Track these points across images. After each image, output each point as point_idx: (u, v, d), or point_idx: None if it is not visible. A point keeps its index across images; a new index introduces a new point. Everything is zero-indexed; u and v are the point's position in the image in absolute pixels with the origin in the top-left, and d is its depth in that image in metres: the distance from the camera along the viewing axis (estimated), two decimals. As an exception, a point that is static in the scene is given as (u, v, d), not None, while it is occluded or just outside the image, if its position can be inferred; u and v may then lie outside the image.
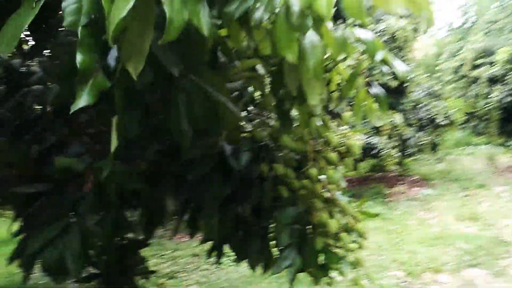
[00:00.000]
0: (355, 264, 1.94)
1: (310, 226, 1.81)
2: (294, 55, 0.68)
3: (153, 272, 2.08)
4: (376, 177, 12.82)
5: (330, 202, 1.83)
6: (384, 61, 1.13)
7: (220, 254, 1.89)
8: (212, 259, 1.85)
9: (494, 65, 15.87)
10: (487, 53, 18.71)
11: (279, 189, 1.64)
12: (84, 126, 1.60)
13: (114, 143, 0.81)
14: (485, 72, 15.85)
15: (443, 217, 8.40)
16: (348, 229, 1.83)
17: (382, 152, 9.91)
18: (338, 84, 1.33)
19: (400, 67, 1.15)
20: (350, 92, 1.24)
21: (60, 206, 1.39)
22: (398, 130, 10.70)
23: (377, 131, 10.09)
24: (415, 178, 12.45)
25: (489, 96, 15.16)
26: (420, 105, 11.75)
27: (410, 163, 13.52)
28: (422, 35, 15.00)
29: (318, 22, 0.80)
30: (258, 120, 1.68)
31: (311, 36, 0.75)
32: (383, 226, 7.99)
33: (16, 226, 1.52)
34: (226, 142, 1.50)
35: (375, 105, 1.30)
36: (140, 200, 1.79)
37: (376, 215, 2.11)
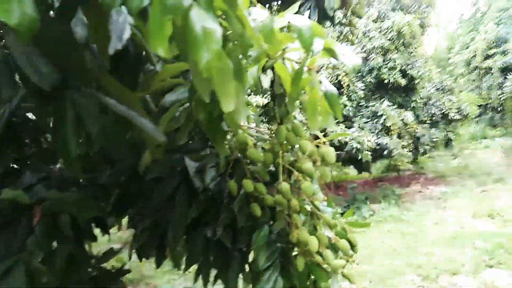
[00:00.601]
0: (349, 280, 1.81)
1: (291, 245, 1.68)
2: (163, 47, 0.52)
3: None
4: (390, 178, 12.54)
5: (312, 216, 1.70)
6: (327, 52, 0.96)
7: (206, 279, 1.75)
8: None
9: (507, 54, 15.46)
10: (500, 42, 18.28)
11: (252, 207, 1.52)
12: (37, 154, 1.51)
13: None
14: (498, 62, 15.43)
15: (460, 216, 8.12)
16: (333, 245, 1.69)
17: (394, 152, 9.66)
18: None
19: (349, 58, 0.98)
20: (297, 93, 1.06)
21: (10, 243, 1.29)
22: (409, 128, 10.44)
23: (386, 131, 9.86)
24: (430, 176, 12.13)
25: (503, 86, 14.76)
26: (432, 101, 11.47)
27: (425, 161, 13.21)
28: (430, 30, 14.69)
29: (231, 3, 0.65)
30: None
31: (202, 21, 0.58)
32: (398, 229, 7.76)
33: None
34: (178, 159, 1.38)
35: (328, 107, 1.11)
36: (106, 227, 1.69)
37: (367, 225, 1.96)
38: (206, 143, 1.70)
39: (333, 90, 1.04)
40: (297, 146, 1.58)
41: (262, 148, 1.59)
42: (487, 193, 9.33)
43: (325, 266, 1.72)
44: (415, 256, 6.27)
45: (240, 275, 1.77)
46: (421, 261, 6.04)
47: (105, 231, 1.72)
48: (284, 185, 1.44)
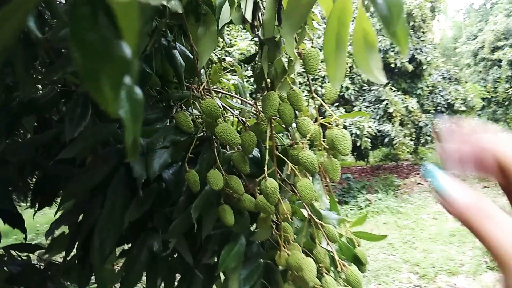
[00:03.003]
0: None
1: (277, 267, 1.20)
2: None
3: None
4: (388, 167, 12.09)
5: (310, 224, 1.21)
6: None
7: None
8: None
9: (516, 47, 14.89)
10: (509, 34, 17.64)
11: (221, 211, 1.02)
12: None
13: None
14: (506, 55, 14.84)
15: (460, 212, 7.70)
16: (335, 270, 1.21)
17: (395, 140, 9.18)
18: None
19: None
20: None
21: None
22: (412, 116, 9.94)
23: (389, 117, 9.36)
24: (430, 167, 11.68)
25: (510, 80, 14.23)
26: (438, 89, 10.93)
27: (425, 152, 12.75)
28: (440, 16, 13.99)
29: None
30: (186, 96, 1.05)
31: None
32: (395, 221, 7.34)
33: None
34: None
35: (373, 34, 0.54)
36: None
37: (383, 237, 1.47)
38: (168, 111, 1.19)
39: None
40: (294, 125, 1.08)
41: (243, 124, 1.08)
42: (489, 189, 8.91)
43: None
44: (412, 252, 5.87)
45: None
46: (419, 258, 5.64)
47: (18, 226, 1.23)
48: (271, 183, 0.94)
